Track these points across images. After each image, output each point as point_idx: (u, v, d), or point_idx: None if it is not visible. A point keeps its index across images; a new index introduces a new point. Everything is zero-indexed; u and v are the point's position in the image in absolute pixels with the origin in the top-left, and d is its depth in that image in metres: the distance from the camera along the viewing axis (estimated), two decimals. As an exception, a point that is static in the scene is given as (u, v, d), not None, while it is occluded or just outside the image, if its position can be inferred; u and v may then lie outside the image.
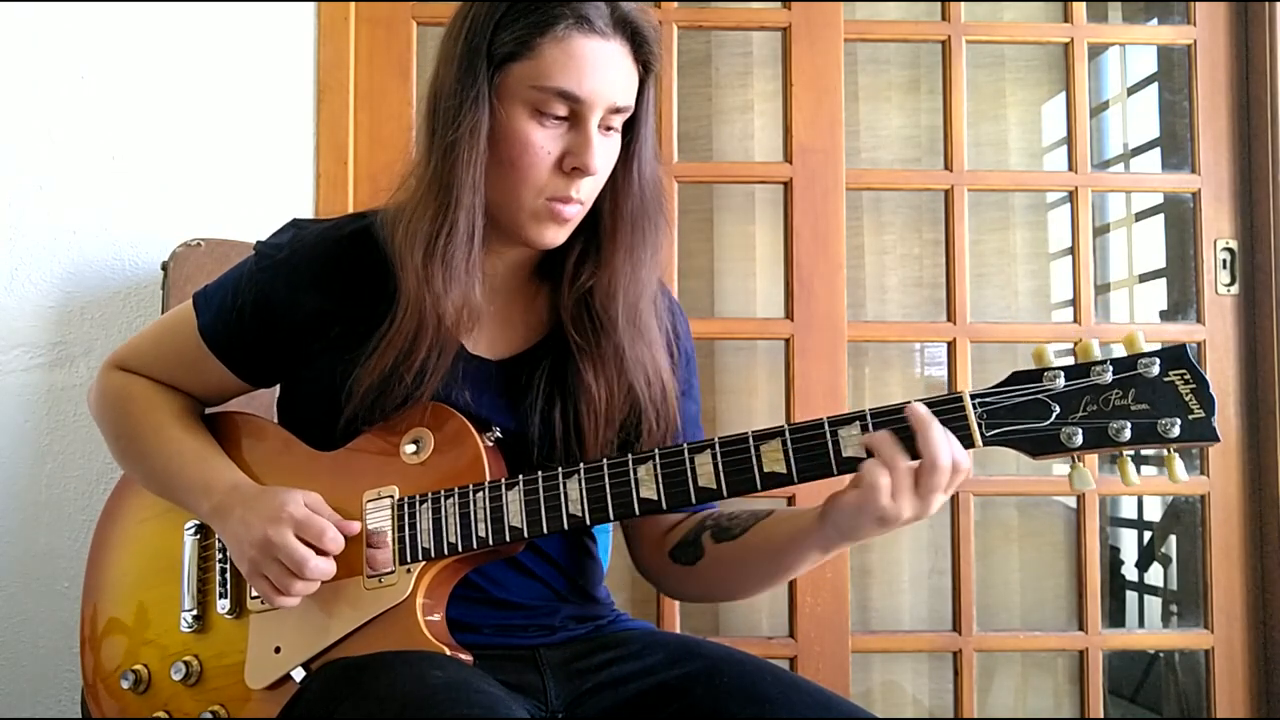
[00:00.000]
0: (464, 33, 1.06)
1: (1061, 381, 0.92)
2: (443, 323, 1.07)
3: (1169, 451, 0.92)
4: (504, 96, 1.05)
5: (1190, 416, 0.89)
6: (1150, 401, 0.90)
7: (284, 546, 1.02)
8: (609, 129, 1.08)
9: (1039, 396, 0.92)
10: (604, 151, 1.07)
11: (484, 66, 1.04)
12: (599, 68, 1.03)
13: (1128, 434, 0.90)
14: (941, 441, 0.93)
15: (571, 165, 1.05)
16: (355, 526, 1.07)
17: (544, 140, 1.05)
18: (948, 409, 0.94)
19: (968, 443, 0.94)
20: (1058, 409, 0.92)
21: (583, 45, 1.03)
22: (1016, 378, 0.94)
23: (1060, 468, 2.29)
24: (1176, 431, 0.90)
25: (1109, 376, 0.91)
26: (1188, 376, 0.90)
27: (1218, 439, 0.90)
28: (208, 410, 1.26)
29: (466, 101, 1.04)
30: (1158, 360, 0.91)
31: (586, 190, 1.08)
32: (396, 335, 1.07)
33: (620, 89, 1.06)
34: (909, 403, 0.95)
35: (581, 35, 1.03)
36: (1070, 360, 0.94)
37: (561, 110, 1.04)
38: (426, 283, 1.06)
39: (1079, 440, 0.91)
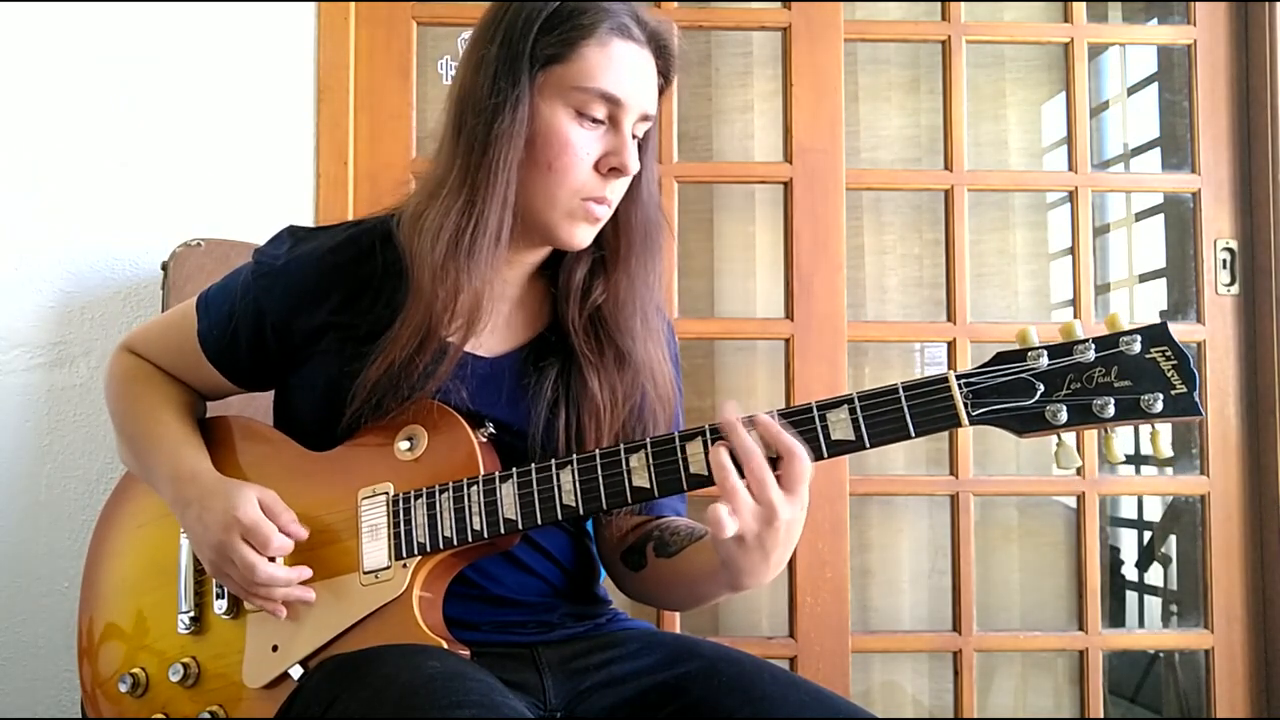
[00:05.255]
0: (500, 37, 1.08)
1: (1045, 360, 0.92)
2: (452, 323, 1.08)
3: (1154, 427, 0.93)
4: (545, 98, 1.07)
5: (1173, 391, 0.90)
6: (1133, 378, 0.90)
7: (237, 554, 1.05)
8: (633, 137, 1.11)
9: (1023, 376, 0.93)
10: (637, 155, 1.10)
11: (526, 69, 1.06)
12: (636, 73, 1.09)
13: (1111, 410, 0.91)
14: (749, 442, 0.93)
15: (610, 166, 1.08)
16: (304, 532, 1.09)
17: (584, 141, 1.07)
18: (933, 389, 0.94)
19: (954, 421, 0.93)
20: (1042, 387, 0.92)
21: (623, 50, 1.08)
22: (1001, 358, 0.94)
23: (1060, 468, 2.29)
24: (1160, 406, 0.90)
25: (1091, 354, 0.91)
26: (1169, 353, 0.90)
27: (1200, 413, 0.90)
28: (207, 415, 1.28)
29: (506, 103, 1.05)
30: (1139, 337, 0.91)
31: (616, 192, 1.11)
32: (403, 331, 1.08)
33: (650, 97, 1.11)
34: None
35: (621, 41, 1.08)
36: (1054, 340, 0.94)
37: (601, 113, 1.08)
38: (441, 281, 1.06)
39: (1063, 417, 0.92)
